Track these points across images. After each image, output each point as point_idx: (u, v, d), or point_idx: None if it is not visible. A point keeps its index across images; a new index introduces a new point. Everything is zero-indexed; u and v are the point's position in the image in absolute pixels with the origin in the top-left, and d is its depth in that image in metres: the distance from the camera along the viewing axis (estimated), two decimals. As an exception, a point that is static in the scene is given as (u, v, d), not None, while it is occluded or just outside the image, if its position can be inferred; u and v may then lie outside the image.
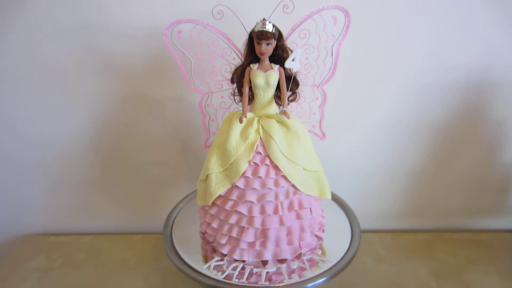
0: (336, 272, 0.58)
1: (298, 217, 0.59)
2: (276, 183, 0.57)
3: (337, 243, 0.65)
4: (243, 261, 0.60)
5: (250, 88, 0.59)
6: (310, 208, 0.60)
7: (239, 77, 0.60)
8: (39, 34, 0.76)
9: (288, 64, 0.55)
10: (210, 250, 0.64)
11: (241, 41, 0.59)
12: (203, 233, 0.67)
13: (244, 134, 0.57)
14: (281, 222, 0.58)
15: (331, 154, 0.76)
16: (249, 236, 0.58)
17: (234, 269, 0.58)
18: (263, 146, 0.57)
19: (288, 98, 0.61)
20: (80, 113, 0.85)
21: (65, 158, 0.90)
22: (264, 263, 0.60)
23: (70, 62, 0.79)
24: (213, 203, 0.60)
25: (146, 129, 0.86)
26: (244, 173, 0.57)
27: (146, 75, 0.80)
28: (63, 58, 0.79)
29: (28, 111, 0.84)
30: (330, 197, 0.64)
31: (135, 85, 0.81)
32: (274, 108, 0.60)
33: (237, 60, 0.62)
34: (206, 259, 0.61)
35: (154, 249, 0.91)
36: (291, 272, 0.58)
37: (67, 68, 0.79)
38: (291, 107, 0.65)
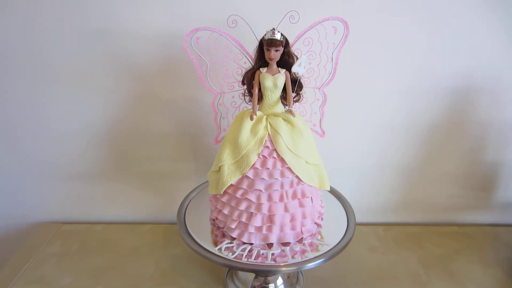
0: (334, 254, 0.64)
1: (301, 205, 0.65)
2: (282, 174, 0.63)
3: (334, 230, 0.71)
4: (251, 243, 0.66)
5: (259, 90, 0.65)
6: (311, 197, 0.67)
7: (250, 79, 0.65)
8: (60, 36, 0.82)
9: (294, 69, 0.62)
10: (220, 235, 0.70)
11: (252, 48, 0.64)
12: (213, 220, 0.72)
13: (254, 130, 0.63)
14: (286, 209, 0.64)
15: (330, 150, 0.81)
16: (257, 221, 0.64)
17: (243, 250, 0.64)
18: (271, 141, 0.63)
19: (292, 98, 0.66)
20: (97, 109, 0.89)
21: (80, 152, 0.95)
22: (270, 245, 0.66)
23: (89, 63, 0.84)
24: (225, 192, 0.66)
25: (157, 126, 0.91)
26: (253, 164, 0.63)
27: (160, 75, 0.85)
28: (83, 59, 0.84)
29: (48, 107, 0.89)
30: (329, 188, 0.70)
31: (149, 85, 0.86)
32: (280, 108, 0.66)
33: (248, 64, 0.68)
34: (216, 243, 0.67)
35: (163, 238, 0.96)
36: (294, 254, 0.64)
37: (87, 69, 0.85)
38: (295, 107, 0.70)
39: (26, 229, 1.05)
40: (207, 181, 0.85)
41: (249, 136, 0.63)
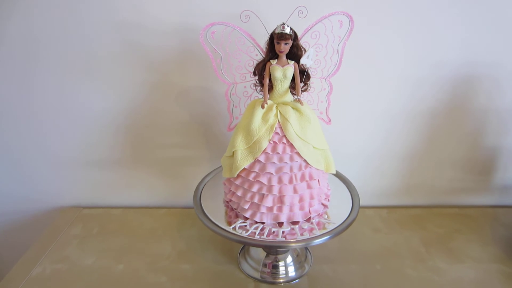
0: (339, 231, 0.69)
1: (309, 186, 0.70)
2: (291, 158, 0.68)
3: (340, 210, 0.75)
4: (263, 223, 0.71)
5: (270, 80, 0.69)
6: (318, 180, 0.71)
7: (261, 70, 0.70)
8: (80, 29, 0.86)
9: (303, 60, 0.66)
10: (233, 216, 0.75)
11: (263, 41, 0.68)
12: (227, 202, 0.77)
13: (265, 118, 0.68)
14: (295, 191, 0.69)
15: (335, 137, 0.86)
16: (268, 202, 0.69)
17: (256, 229, 0.69)
18: (281, 127, 0.67)
19: (301, 88, 0.71)
20: (115, 99, 0.94)
21: (99, 140, 0.99)
22: (280, 224, 0.71)
23: (109, 54, 0.88)
24: (238, 175, 0.71)
25: (172, 114, 0.96)
26: (265, 149, 0.67)
27: (175, 67, 0.89)
28: (104, 51, 0.88)
29: (69, 97, 0.94)
30: (334, 171, 0.75)
31: (164, 75, 0.90)
32: (289, 97, 0.71)
33: (259, 57, 0.71)
34: (230, 223, 0.72)
35: (178, 220, 1.02)
36: (302, 232, 0.69)
37: (106, 60, 0.89)
38: (303, 96, 0.74)
39: (48, 213, 1.10)
40: (219, 166, 0.91)
41: (261, 123, 0.68)
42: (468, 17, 0.85)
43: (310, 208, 0.72)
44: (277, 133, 0.68)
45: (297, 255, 0.85)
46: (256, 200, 0.70)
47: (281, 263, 0.83)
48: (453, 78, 0.91)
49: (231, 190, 0.74)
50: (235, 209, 0.75)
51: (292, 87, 0.71)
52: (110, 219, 1.03)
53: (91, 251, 0.91)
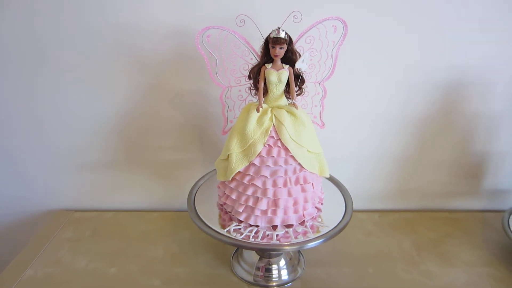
0: (333, 235, 0.69)
1: (303, 190, 0.71)
2: (286, 162, 0.68)
3: (333, 214, 0.76)
4: (257, 226, 0.71)
5: (265, 84, 0.70)
6: (312, 183, 0.72)
7: (256, 74, 0.70)
8: (78, 32, 0.86)
9: (298, 65, 0.67)
10: (227, 219, 0.75)
11: (258, 45, 0.69)
12: (221, 205, 0.78)
13: (260, 121, 0.68)
14: (289, 194, 0.69)
15: (330, 141, 0.86)
16: (263, 205, 0.69)
17: (250, 232, 0.70)
18: (276, 131, 0.68)
19: (295, 92, 0.71)
20: (108, 101, 0.93)
21: (91, 142, 0.99)
22: (274, 227, 0.71)
23: (104, 56, 0.88)
24: (233, 178, 0.71)
25: (167, 117, 0.95)
26: (259, 153, 0.68)
27: (170, 69, 0.89)
28: (98, 53, 0.88)
29: (63, 99, 0.93)
30: (328, 175, 0.76)
31: (159, 77, 0.90)
32: (284, 101, 0.71)
33: (254, 60, 0.72)
34: (224, 227, 0.72)
35: (171, 224, 1.01)
36: (296, 235, 0.69)
37: (101, 62, 0.88)
38: (297, 100, 0.74)
39: (39, 216, 1.09)
40: (213, 170, 0.91)
41: (256, 126, 0.68)
42: (460, 24, 0.86)
43: (304, 212, 0.72)
44: (272, 137, 0.68)
45: (290, 259, 0.86)
46: (250, 203, 0.70)
47: (274, 267, 0.83)
48: (443, 85, 0.92)
49: (225, 193, 0.74)
50: (229, 212, 0.75)
51: (287, 91, 0.72)
52: (102, 222, 1.03)
53: (83, 254, 0.90)
